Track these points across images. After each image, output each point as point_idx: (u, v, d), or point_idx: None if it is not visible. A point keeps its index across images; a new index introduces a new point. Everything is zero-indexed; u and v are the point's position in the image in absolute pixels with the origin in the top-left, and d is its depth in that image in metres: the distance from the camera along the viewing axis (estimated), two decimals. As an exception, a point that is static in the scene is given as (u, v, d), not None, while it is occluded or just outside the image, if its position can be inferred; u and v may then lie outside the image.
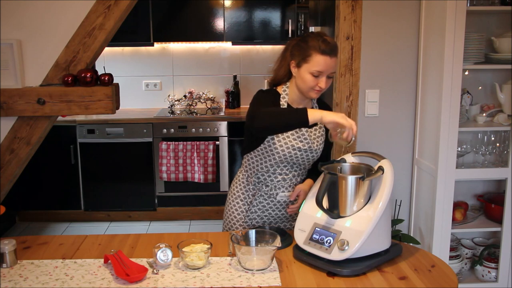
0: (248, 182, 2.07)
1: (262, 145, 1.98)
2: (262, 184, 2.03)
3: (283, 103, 1.98)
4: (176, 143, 4.33)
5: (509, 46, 2.67)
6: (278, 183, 2.02)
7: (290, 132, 1.95)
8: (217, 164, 4.38)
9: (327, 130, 2.05)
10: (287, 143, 1.95)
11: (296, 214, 2.06)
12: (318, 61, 1.85)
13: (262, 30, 4.53)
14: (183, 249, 1.68)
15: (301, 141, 1.96)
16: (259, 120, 1.78)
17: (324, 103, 2.12)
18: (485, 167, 2.80)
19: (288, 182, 2.03)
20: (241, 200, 2.09)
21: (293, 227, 2.07)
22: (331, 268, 1.62)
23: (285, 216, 2.08)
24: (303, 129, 1.96)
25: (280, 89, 2.02)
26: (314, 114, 1.71)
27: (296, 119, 1.73)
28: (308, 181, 2.03)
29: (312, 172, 2.07)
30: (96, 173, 4.46)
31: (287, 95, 2.00)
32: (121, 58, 4.92)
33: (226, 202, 2.17)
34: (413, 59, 2.85)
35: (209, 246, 1.71)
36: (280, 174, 2.01)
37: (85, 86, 2.12)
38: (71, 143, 4.38)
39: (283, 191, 2.03)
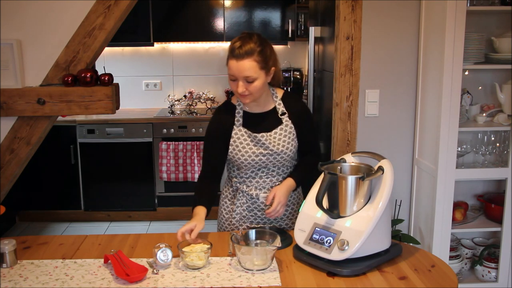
0: (232, 183, 2.07)
1: (227, 156, 2.00)
2: (243, 185, 2.03)
3: (239, 111, 1.98)
4: (176, 143, 4.33)
5: (509, 46, 2.67)
6: (258, 184, 2.01)
7: (250, 138, 1.95)
8: (217, 164, 4.38)
9: (299, 126, 2.01)
10: (248, 152, 1.95)
11: (285, 215, 2.07)
12: (229, 65, 1.85)
13: (262, 30, 4.53)
14: (183, 249, 1.68)
15: (261, 146, 1.95)
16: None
17: (289, 97, 2.04)
18: (485, 167, 2.80)
19: (268, 183, 2.01)
20: (229, 200, 2.09)
21: (282, 227, 2.07)
22: (331, 268, 1.62)
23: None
24: (258, 135, 1.94)
25: (235, 100, 2.02)
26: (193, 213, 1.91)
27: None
28: (286, 181, 1.98)
29: (295, 169, 2.05)
30: (96, 173, 4.46)
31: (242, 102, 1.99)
32: (121, 58, 4.92)
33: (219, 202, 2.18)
34: (413, 59, 2.85)
35: (209, 246, 1.71)
36: (258, 175, 2.00)
37: (85, 86, 2.12)
38: (71, 143, 4.38)
39: (265, 192, 2.01)
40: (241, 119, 1.97)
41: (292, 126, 1.99)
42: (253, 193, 2.01)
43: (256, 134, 1.94)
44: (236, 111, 1.99)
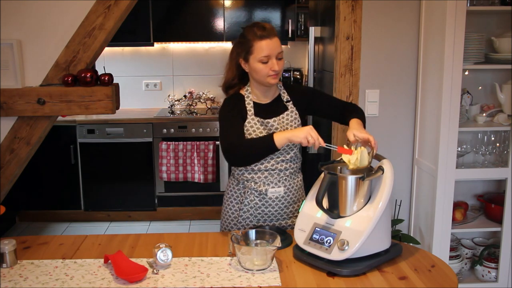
0: (238, 181, 2.08)
1: None
2: (251, 182, 2.04)
3: (249, 102, 2.02)
4: (176, 143, 4.33)
5: (509, 46, 2.67)
6: (266, 179, 2.02)
7: (262, 127, 1.98)
8: (217, 164, 4.38)
9: (301, 111, 2.07)
10: None
11: (291, 211, 2.08)
12: (261, 47, 1.92)
13: (262, 30, 4.52)
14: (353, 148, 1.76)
15: (273, 132, 1.95)
16: (233, 157, 1.89)
17: (290, 86, 2.14)
18: (485, 167, 2.80)
19: (276, 178, 2.02)
20: (234, 199, 2.09)
21: (288, 224, 2.07)
22: (331, 268, 1.63)
23: (279, 212, 2.06)
24: (270, 120, 1.99)
25: (243, 91, 2.06)
26: (280, 139, 1.82)
27: (266, 148, 1.85)
28: (353, 122, 1.94)
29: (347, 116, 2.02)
30: (96, 173, 4.46)
31: (250, 93, 2.04)
32: (121, 58, 4.92)
33: (222, 202, 2.18)
34: (413, 59, 2.85)
35: (370, 151, 1.76)
36: (267, 167, 2.01)
37: (85, 86, 2.12)
38: (71, 143, 4.38)
39: (272, 187, 2.02)
40: (252, 109, 2.02)
41: (297, 113, 2.06)
42: (262, 189, 2.02)
43: (268, 120, 2.00)
44: (246, 102, 2.03)
